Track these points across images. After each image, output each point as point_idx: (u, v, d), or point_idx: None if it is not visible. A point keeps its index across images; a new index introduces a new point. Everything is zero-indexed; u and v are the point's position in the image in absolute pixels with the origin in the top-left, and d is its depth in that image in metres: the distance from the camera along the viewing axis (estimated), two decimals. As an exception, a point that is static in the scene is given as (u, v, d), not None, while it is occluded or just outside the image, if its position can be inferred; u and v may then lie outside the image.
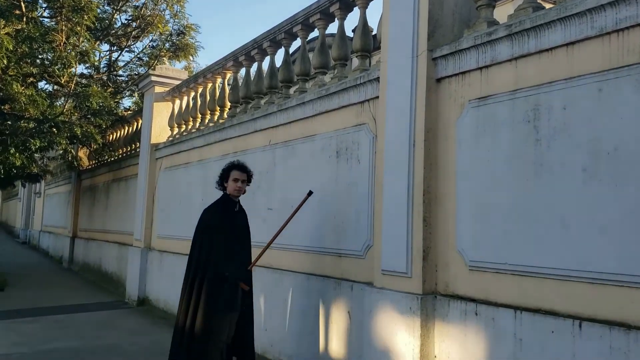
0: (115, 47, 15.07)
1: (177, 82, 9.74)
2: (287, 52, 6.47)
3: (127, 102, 19.93)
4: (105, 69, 15.11)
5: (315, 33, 6.14)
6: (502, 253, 3.50)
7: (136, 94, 16.36)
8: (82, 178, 15.91)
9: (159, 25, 13.65)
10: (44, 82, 11.65)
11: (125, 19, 14.40)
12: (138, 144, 11.24)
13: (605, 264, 2.95)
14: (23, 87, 9.52)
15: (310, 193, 4.74)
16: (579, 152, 3.13)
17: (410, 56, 4.16)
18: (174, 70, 10.47)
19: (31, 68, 9.96)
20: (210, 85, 8.41)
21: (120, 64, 15.58)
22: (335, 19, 5.58)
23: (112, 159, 13.22)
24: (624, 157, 2.92)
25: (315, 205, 5.30)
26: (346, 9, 5.47)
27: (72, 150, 13.13)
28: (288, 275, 5.59)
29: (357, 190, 4.83)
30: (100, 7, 12.99)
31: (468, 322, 3.61)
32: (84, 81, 13.04)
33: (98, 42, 13.32)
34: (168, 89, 9.91)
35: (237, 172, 4.62)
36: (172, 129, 9.74)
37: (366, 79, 4.78)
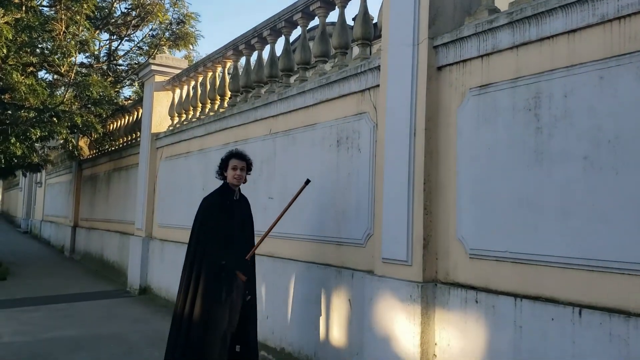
0: (115, 36, 15.04)
1: (177, 71, 9.72)
2: (287, 40, 6.45)
3: (127, 92, 19.97)
4: (105, 58, 15.07)
5: (315, 21, 6.12)
6: (502, 241, 3.51)
7: (136, 83, 16.35)
8: (82, 167, 15.92)
9: (159, 14, 13.60)
10: (44, 71, 11.62)
11: (125, 8, 14.37)
12: (138, 133, 11.23)
13: (605, 251, 2.96)
14: (23, 77, 9.48)
15: (307, 182, 4.71)
16: (580, 140, 3.13)
17: (411, 44, 4.14)
18: (174, 59, 10.45)
19: (31, 57, 9.92)
20: (210, 74, 8.39)
21: (120, 53, 15.58)
22: (336, 7, 5.55)
23: (113, 148, 13.22)
24: (625, 145, 2.92)
25: (316, 195, 5.31)
26: (347, -4, 5.45)
27: (73, 140, 13.12)
28: (289, 263, 5.60)
29: (358, 179, 4.83)
30: (100, -5, 12.94)
31: (468, 310, 3.63)
32: (84, 70, 13.02)
33: (98, 31, 13.26)
34: (168, 78, 9.89)
35: (235, 160, 4.60)
36: (172, 118, 9.73)
37: (367, 67, 4.76)
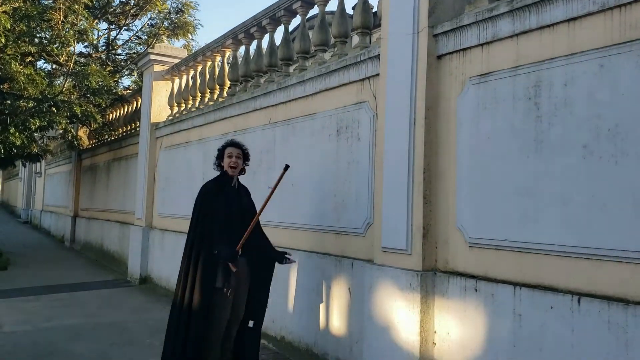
0: (113, 26, 14.99)
1: (177, 61, 9.68)
2: (286, 29, 6.42)
3: (126, 81, 19.87)
4: (104, 47, 15.03)
5: (315, 10, 6.09)
6: (502, 230, 3.52)
7: (135, 73, 16.30)
8: (82, 157, 15.91)
9: (158, 3, 13.54)
10: (42, 61, 11.59)
11: (124, -3, 14.30)
12: (138, 123, 11.22)
13: (604, 240, 2.97)
14: (22, 66, 9.46)
15: (286, 167, 4.64)
16: (580, 128, 3.13)
17: (410, 33, 4.13)
18: (173, 48, 10.42)
19: (29, 47, 9.88)
20: (209, 63, 8.37)
21: (119, 42, 15.51)
22: (335, -5, 5.53)
23: (112, 138, 13.21)
24: (625, 133, 2.92)
25: (316, 184, 5.31)
26: (346, -15, 5.42)
27: (72, 130, 13.10)
28: (289, 252, 5.60)
29: (358, 168, 4.83)
30: (98, -16, 12.89)
31: (468, 298, 3.64)
32: (82, 60, 12.98)
33: (96, 21, 13.22)
34: (167, 67, 9.86)
35: (230, 148, 4.60)
36: (171, 108, 9.72)
37: (366, 56, 4.75)
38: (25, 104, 9.90)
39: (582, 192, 3.09)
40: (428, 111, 3.99)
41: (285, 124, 5.96)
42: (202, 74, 8.55)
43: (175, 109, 9.56)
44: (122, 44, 15.45)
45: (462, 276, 3.72)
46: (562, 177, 3.19)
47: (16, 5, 8.74)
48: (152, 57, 9.94)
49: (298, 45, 6.02)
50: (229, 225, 4.41)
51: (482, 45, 3.75)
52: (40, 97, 9.75)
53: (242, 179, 4.81)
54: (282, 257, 4.69)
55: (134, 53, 15.14)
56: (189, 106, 8.95)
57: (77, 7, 9.83)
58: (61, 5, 9.68)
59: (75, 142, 13.61)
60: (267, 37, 6.83)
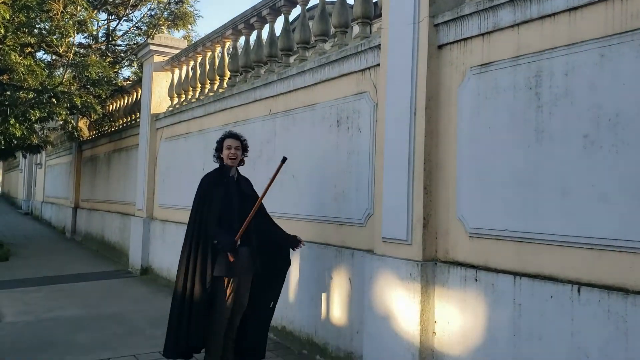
0: (113, 16, 14.94)
1: (176, 51, 9.66)
2: (286, 19, 6.40)
3: (126, 72, 19.84)
4: (103, 38, 14.99)
5: (315, 0, 6.06)
6: (502, 220, 3.52)
7: (135, 64, 16.25)
8: (82, 149, 15.91)
9: (157, -7, 13.49)
10: (42, 52, 11.56)
11: (123, -13, 14.25)
12: (138, 114, 11.20)
13: (604, 230, 2.97)
14: (21, 57, 9.44)
15: (284, 159, 4.65)
16: (581, 118, 3.12)
17: (411, 23, 4.11)
18: (172, 39, 10.38)
19: (29, 38, 9.86)
20: (209, 54, 8.35)
21: (119, 33, 15.47)
22: (336, -15, 5.51)
23: (113, 129, 13.20)
24: (625, 123, 2.91)
25: (316, 175, 5.31)
26: (347, -26, 5.40)
27: (72, 121, 13.10)
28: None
29: (358, 159, 4.83)
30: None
31: (468, 288, 3.65)
32: (82, 51, 12.96)
33: (96, 11, 13.17)
34: (167, 58, 9.83)
35: (229, 140, 4.61)
36: (172, 98, 9.71)
37: (367, 46, 4.73)
38: (25, 95, 9.89)
39: (582, 182, 3.09)
40: (429, 101, 3.99)
41: (286, 114, 5.95)
42: (202, 64, 8.53)
43: (176, 100, 9.54)
44: (122, 35, 15.42)
45: (463, 266, 3.73)
46: (563, 167, 3.19)
47: (15, -5, 8.72)
48: (152, 47, 9.91)
49: (298, 36, 6.00)
50: (229, 215, 4.43)
51: (482, 35, 3.74)
52: (40, 88, 9.74)
53: (242, 170, 4.81)
54: (295, 244, 4.80)
55: (134, 44, 15.10)
56: (189, 97, 8.93)
57: (76, -3, 9.80)
58: (60, -4, 9.64)
59: (75, 133, 13.61)
60: (267, 27, 6.80)
